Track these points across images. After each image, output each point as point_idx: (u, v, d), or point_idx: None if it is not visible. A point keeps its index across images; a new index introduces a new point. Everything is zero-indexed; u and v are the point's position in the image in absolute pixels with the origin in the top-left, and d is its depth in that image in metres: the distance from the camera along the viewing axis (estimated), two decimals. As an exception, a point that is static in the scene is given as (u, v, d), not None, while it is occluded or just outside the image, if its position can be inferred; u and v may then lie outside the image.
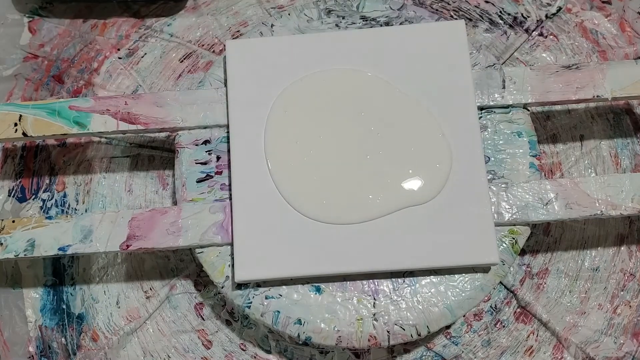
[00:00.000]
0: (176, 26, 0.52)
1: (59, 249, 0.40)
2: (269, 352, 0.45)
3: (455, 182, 0.40)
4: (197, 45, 0.52)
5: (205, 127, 0.42)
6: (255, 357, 0.45)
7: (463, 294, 0.39)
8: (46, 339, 0.46)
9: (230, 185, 0.41)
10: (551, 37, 0.51)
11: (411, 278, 0.39)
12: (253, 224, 0.39)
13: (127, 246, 0.40)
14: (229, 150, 0.41)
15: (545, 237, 0.47)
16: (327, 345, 0.42)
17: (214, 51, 0.51)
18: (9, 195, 0.48)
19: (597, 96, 0.41)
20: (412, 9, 0.45)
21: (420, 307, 0.39)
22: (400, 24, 0.45)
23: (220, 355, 0.45)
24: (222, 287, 0.40)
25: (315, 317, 0.39)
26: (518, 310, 0.45)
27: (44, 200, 0.48)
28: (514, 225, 0.40)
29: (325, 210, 0.39)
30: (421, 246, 0.38)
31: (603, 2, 0.52)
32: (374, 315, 0.39)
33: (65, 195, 0.49)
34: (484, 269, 0.39)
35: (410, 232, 0.39)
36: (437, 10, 0.51)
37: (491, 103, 0.42)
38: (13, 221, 0.41)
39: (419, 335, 0.39)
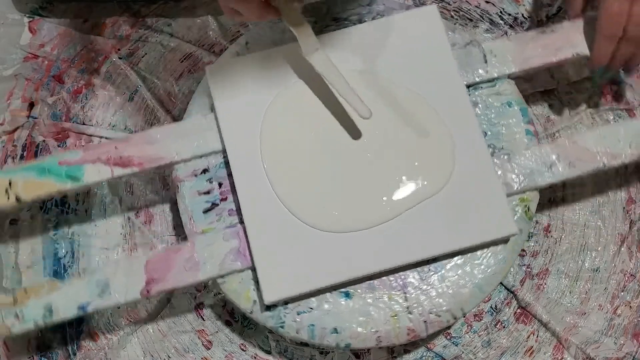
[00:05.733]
0: (176, 26, 0.52)
1: (79, 308, 0.38)
2: (269, 352, 0.45)
3: (459, 163, 0.40)
4: (197, 45, 0.51)
5: (201, 156, 0.42)
6: (255, 358, 0.45)
7: (489, 270, 0.39)
8: (46, 339, 0.45)
9: (238, 209, 0.40)
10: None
11: (436, 264, 0.39)
12: (271, 244, 0.39)
13: (148, 291, 0.39)
14: (229, 175, 0.41)
15: (545, 238, 0.47)
16: (369, 348, 0.42)
17: (213, 51, 0.51)
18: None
19: (577, 54, 0.42)
20: (381, 2, 0.45)
21: (450, 291, 0.39)
22: (373, 18, 0.45)
23: (220, 355, 0.45)
24: (251, 312, 0.39)
25: (350, 323, 0.39)
26: (518, 310, 0.46)
27: (44, 201, 0.47)
28: (524, 192, 0.40)
29: (338, 221, 0.39)
30: (440, 232, 0.39)
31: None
32: (408, 308, 0.39)
33: (65, 196, 0.48)
34: (504, 240, 0.40)
35: (426, 221, 0.39)
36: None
37: (477, 79, 0.42)
38: (25, 291, 0.39)
39: (455, 318, 0.39)
